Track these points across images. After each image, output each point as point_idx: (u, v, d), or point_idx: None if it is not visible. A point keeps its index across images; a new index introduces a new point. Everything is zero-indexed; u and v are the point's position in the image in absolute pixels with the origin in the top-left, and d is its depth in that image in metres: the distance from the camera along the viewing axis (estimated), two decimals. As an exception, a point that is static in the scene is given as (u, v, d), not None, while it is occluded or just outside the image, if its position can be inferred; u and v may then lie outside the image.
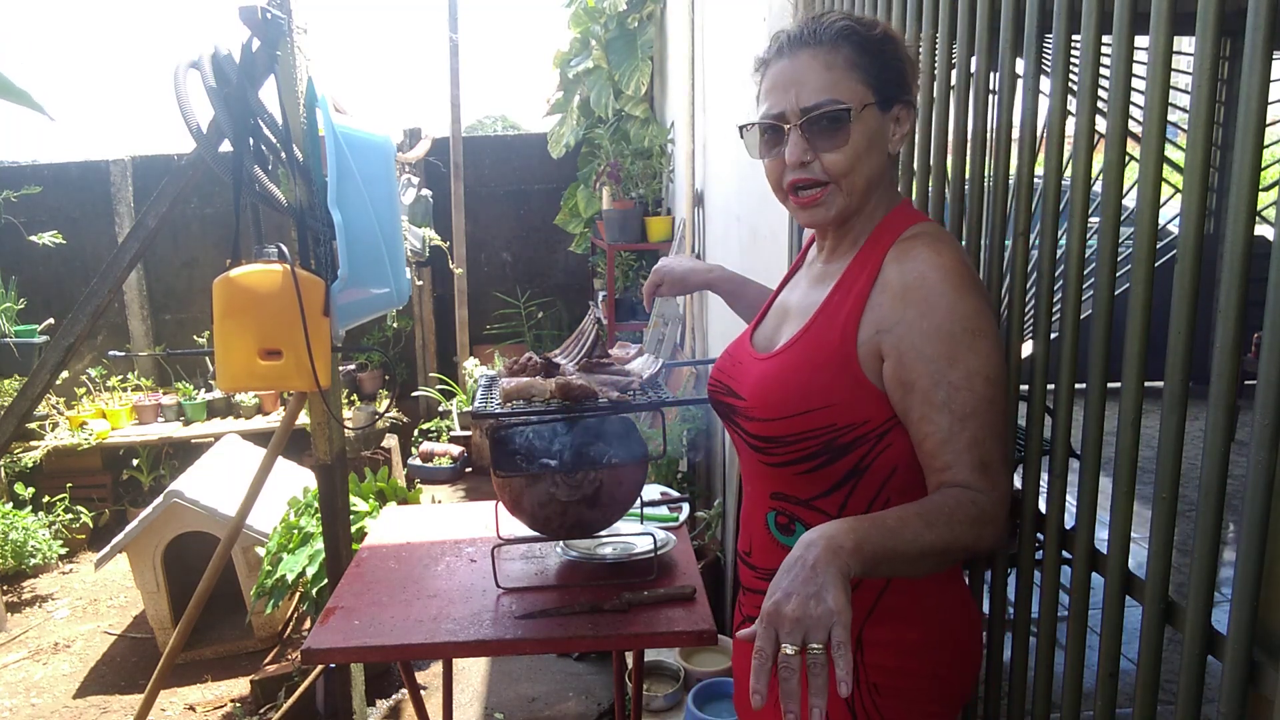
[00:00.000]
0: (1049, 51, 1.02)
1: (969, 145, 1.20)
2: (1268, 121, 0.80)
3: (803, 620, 0.69)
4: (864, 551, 0.75)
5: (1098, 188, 0.97)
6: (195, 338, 5.14)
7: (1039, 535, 1.09)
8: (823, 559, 0.72)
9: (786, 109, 0.94)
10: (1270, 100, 0.78)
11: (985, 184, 1.19)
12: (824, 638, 0.68)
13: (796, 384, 0.95)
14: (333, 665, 2.18)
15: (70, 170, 5.07)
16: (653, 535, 1.55)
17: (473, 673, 2.79)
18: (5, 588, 3.69)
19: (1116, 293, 0.96)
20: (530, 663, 2.81)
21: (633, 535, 1.63)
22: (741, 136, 1.02)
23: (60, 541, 3.83)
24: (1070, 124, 1.03)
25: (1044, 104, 1.05)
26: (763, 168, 1.00)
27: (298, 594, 2.76)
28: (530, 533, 1.53)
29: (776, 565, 0.93)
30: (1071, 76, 1.02)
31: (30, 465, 4.08)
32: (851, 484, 0.96)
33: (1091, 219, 1.00)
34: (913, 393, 0.89)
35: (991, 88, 1.16)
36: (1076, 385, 1.01)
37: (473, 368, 5.23)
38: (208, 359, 4.87)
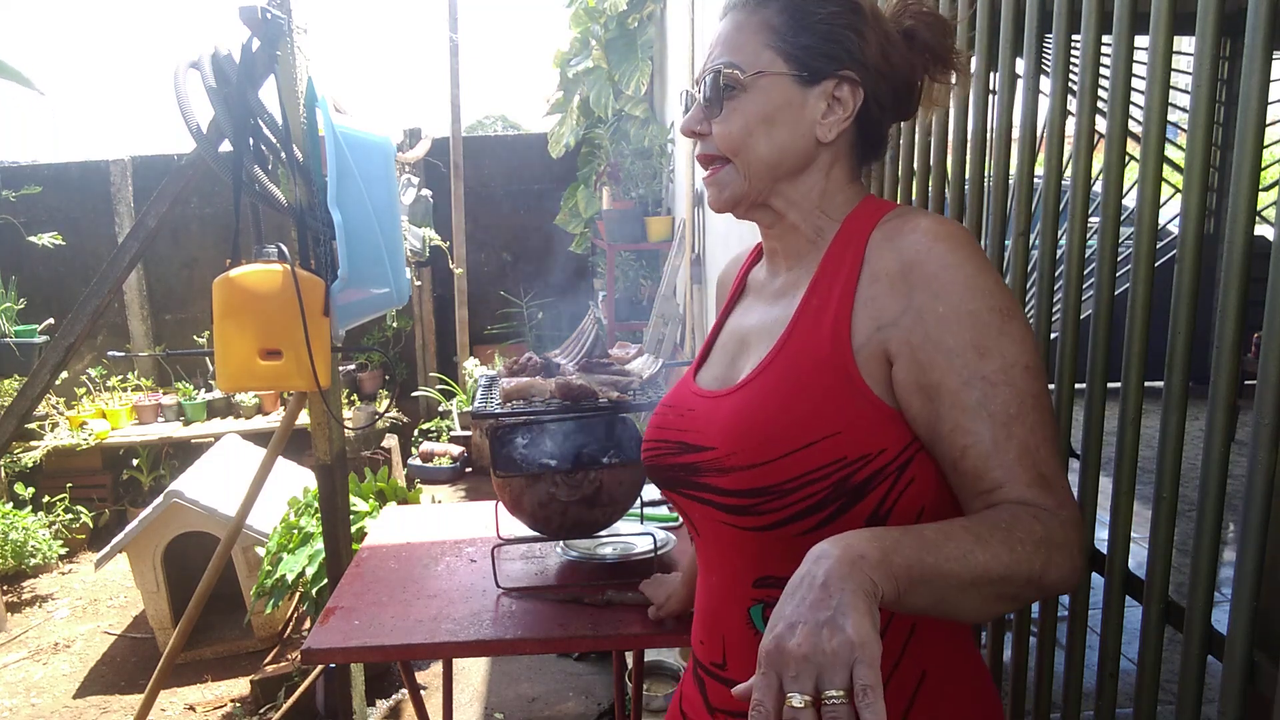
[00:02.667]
0: (1049, 51, 1.02)
1: (969, 145, 1.19)
2: (1268, 121, 0.80)
3: (812, 657, 0.51)
4: (894, 564, 0.57)
5: (1098, 188, 0.97)
6: (195, 338, 5.14)
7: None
8: (837, 573, 0.55)
9: (699, 73, 0.82)
10: (1270, 100, 0.78)
11: (985, 184, 1.19)
12: (845, 681, 0.51)
13: (787, 412, 0.74)
14: (333, 665, 2.18)
15: (70, 170, 5.07)
16: (653, 535, 1.55)
17: (473, 673, 2.79)
18: (5, 588, 3.69)
19: (1116, 293, 0.96)
20: (530, 663, 2.81)
21: (633, 535, 1.63)
22: (682, 104, 0.90)
23: (60, 541, 3.83)
24: (1070, 124, 1.03)
25: (1044, 104, 1.05)
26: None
27: (298, 594, 2.76)
28: (530, 533, 1.53)
29: None
30: (1071, 76, 1.02)
31: (30, 465, 4.08)
32: None
33: (1091, 219, 1.00)
34: (938, 398, 0.70)
35: (991, 88, 1.16)
36: (1076, 385, 1.01)
37: (473, 368, 5.24)
38: (208, 359, 4.87)
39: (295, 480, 3.20)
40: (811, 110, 0.79)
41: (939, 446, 0.72)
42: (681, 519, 0.90)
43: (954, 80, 0.87)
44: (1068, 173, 1.04)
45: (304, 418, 2.18)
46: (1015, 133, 1.11)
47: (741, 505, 0.75)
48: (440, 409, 5.27)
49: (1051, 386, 1.07)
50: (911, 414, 0.73)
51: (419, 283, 5.25)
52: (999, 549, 0.62)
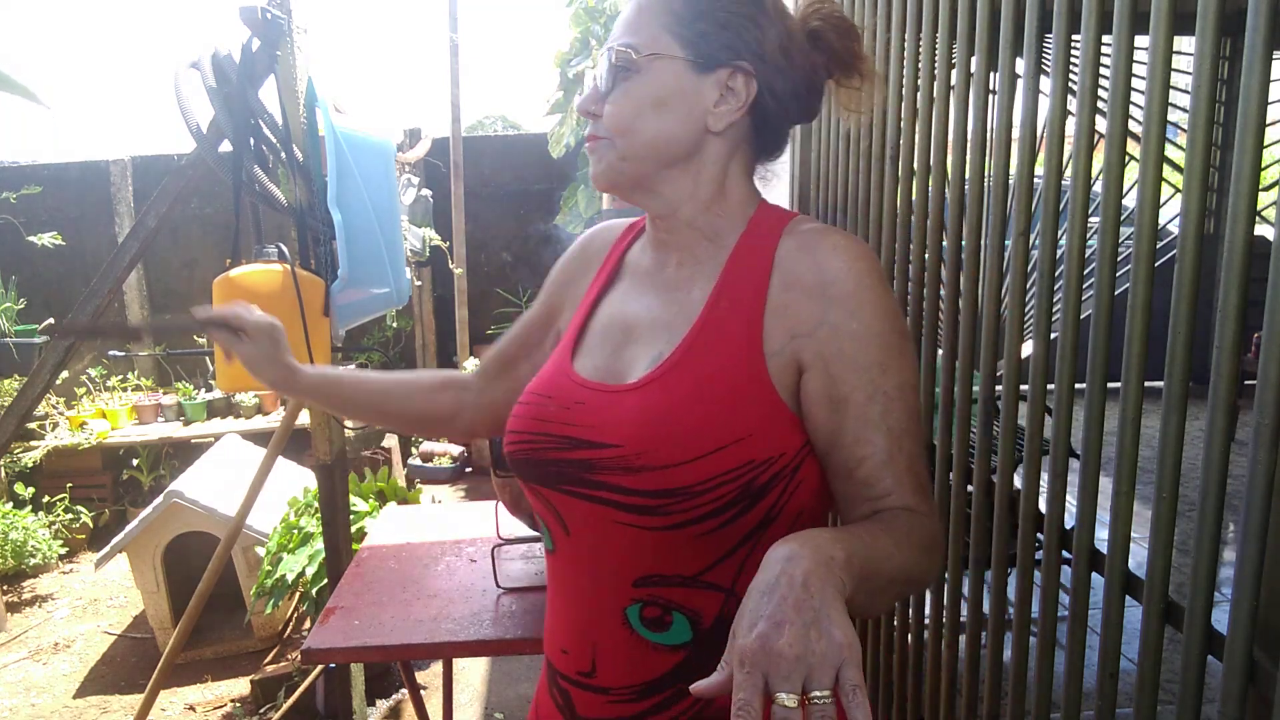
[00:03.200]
0: (1049, 51, 1.02)
1: (969, 145, 1.20)
2: (1268, 121, 0.80)
3: (804, 658, 0.52)
4: (854, 567, 0.59)
5: (1098, 188, 0.97)
6: (195, 338, 5.14)
7: (1039, 535, 1.09)
8: (816, 574, 0.56)
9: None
10: (1270, 100, 0.78)
11: (985, 184, 1.19)
12: (830, 681, 0.52)
13: (702, 414, 0.74)
14: (333, 665, 2.18)
15: (70, 170, 5.07)
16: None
17: (473, 673, 2.79)
18: (5, 588, 3.69)
19: (1116, 293, 0.96)
20: (530, 663, 2.81)
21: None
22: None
23: (60, 541, 3.83)
24: (1070, 124, 1.03)
25: (1044, 104, 1.05)
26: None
27: (298, 594, 2.76)
28: (530, 533, 1.53)
29: (649, 677, 0.78)
30: (1071, 76, 1.02)
31: (30, 465, 4.08)
32: (755, 540, 0.76)
33: (1091, 219, 1.00)
34: (844, 410, 0.74)
35: (991, 88, 1.16)
36: (1076, 385, 1.01)
37: (473, 368, 5.23)
38: (208, 359, 4.87)
39: (295, 480, 3.20)
40: (704, 98, 0.78)
41: (837, 454, 0.75)
42: (540, 520, 0.86)
43: (860, 86, 0.86)
44: (1068, 173, 1.04)
45: (304, 418, 2.18)
46: (1015, 133, 1.11)
47: (648, 505, 0.74)
48: (440, 409, 5.27)
49: (1051, 386, 1.08)
50: (816, 422, 0.75)
51: (419, 283, 5.25)
52: (909, 552, 0.67)
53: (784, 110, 0.82)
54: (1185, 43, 0.78)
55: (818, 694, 0.51)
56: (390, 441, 4.58)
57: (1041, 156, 1.08)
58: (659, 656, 0.78)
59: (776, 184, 1.98)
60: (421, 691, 2.17)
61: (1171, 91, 0.88)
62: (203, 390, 4.70)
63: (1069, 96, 1.02)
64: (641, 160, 0.79)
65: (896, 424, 0.74)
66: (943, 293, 1.32)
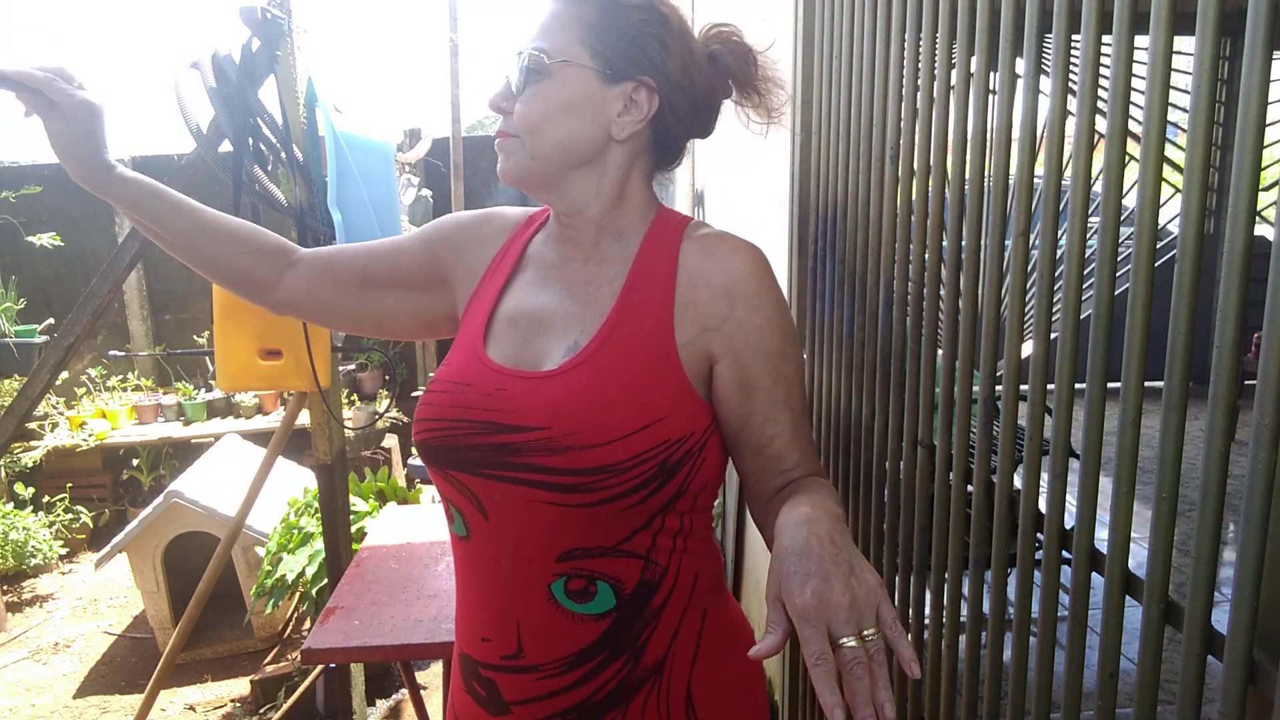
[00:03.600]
0: (1049, 51, 1.02)
1: (969, 145, 1.20)
2: (1268, 121, 0.80)
3: (855, 604, 0.59)
4: (845, 519, 0.70)
5: (1098, 188, 0.97)
6: (195, 338, 5.14)
7: (1039, 535, 1.09)
8: (837, 530, 0.64)
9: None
10: (1270, 100, 0.78)
11: (985, 184, 1.19)
12: (874, 620, 0.60)
13: (625, 397, 0.80)
14: (333, 665, 2.18)
15: (70, 170, 5.07)
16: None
17: (473, 673, 2.79)
18: (5, 588, 3.69)
19: (1116, 293, 0.96)
20: (530, 663, 2.81)
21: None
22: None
23: (60, 541, 3.83)
24: (1070, 124, 1.03)
25: (1044, 104, 1.05)
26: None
27: (298, 594, 2.76)
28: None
29: (577, 648, 0.84)
30: (1071, 76, 1.02)
31: (30, 465, 4.08)
32: (666, 512, 0.84)
33: (1091, 219, 1.00)
34: (754, 394, 0.83)
35: (991, 88, 1.16)
36: (1076, 385, 1.01)
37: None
38: (208, 359, 4.87)
39: (295, 480, 3.20)
40: (609, 107, 0.84)
41: (747, 434, 0.84)
42: (451, 508, 0.88)
43: (759, 104, 0.94)
44: (1068, 173, 1.04)
45: (304, 418, 2.18)
46: (1015, 133, 1.11)
47: (575, 484, 0.79)
48: (440, 409, 5.27)
49: (1051, 386, 1.08)
50: (729, 406, 0.84)
51: (419, 283, 5.25)
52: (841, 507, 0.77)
53: (682, 125, 0.88)
54: (1185, 43, 0.78)
55: (868, 632, 0.59)
56: (390, 442, 4.58)
57: (1041, 156, 1.08)
58: (585, 626, 0.84)
59: (776, 184, 1.98)
60: (421, 691, 2.17)
61: (1171, 91, 0.88)
62: (203, 390, 4.70)
63: (1069, 96, 1.02)
64: (549, 160, 0.84)
65: (797, 405, 0.85)
66: (943, 293, 1.32)
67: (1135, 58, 0.95)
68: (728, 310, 0.83)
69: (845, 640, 0.58)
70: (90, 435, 4.19)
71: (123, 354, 4.60)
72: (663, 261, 0.86)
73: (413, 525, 1.85)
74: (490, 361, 0.87)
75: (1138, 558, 0.93)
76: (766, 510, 0.87)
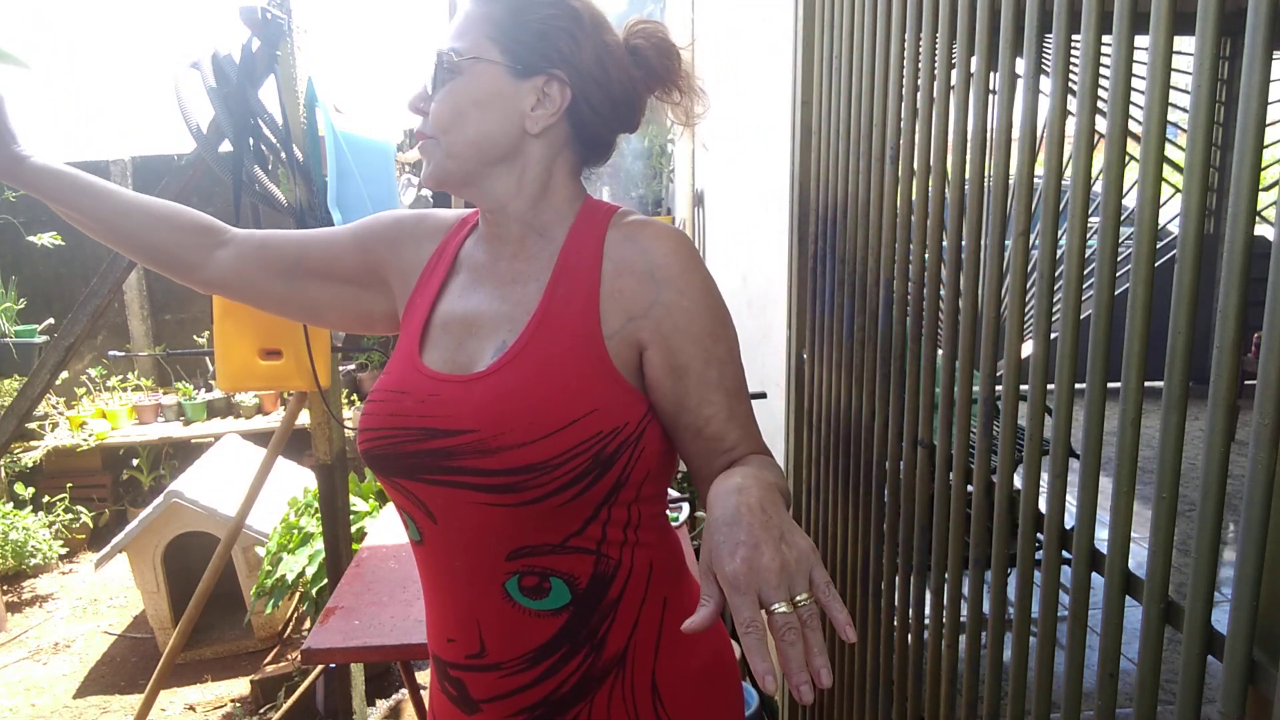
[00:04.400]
0: (1049, 51, 1.02)
1: (969, 145, 1.20)
2: (1268, 121, 0.80)
3: (785, 568, 0.59)
4: (780, 488, 0.69)
5: (1098, 188, 0.97)
6: (195, 338, 5.14)
7: (1039, 535, 1.09)
8: (767, 497, 0.64)
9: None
10: (1270, 100, 0.78)
11: (985, 184, 1.19)
12: (806, 585, 0.59)
13: (551, 393, 0.80)
14: (333, 665, 2.18)
15: (70, 170, 5.07)
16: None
17: (473, 673, 2.79)
18: (5, 588, 3.69)
19: (1116, 293, 0.96)
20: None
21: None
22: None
23: (60, 541, 3.83)
24: (1070, 124, 1.03)
25: (1044, 104, 1.05)
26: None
27: (298, 594, 2.76)
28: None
29: (537, 644, 0.85)
30: (1071, 76, 1.02)
31: (30, 465, 4.08)
32: (609, 504, 0.83)
33: (1091, 219, 1.00)
34: (686, 377, 0.82)
35: (991, 88, 1.16)
36: (1076, 385, 1.01)
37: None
38: (208, 359, 4.87)
39: (295, 480, 3.20)
40: (521, 101, 0.84)
41: (684, 417, 0.83)
42: (404, 514, 0.90)
43: (680, 101, 0.93)
44: (1068, 173, 1.04)
45: (304, 418, 2.18)
46: (1015, 133, 1.11)
47: (509, 484, 0.79)
48: (440, 409, 5.27)
49: (1051, 386, 1.08)
50: (662, 391, 0.83)
51: (419, 283, 5.25)
52: (783, 481, 0.76)
53: (600, 118, 0.88)
54: (1185, 43, 0.78)
55: (800, 597, 0.58)
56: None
57: (1041, 156, 1.08)
58: (543, 623, 0.85)
59: (776, 184, 1.98)
60: (421, 691, 2.17)
61: (1171, 91, 0.88)
62: (203, 390, 4.70)
63: (1069, 96, 1.02)
64: (465, 159, 0.85)
65: (732, 384, 0.84)
66: (943, 293, 1.32)
67: (1135, 58, 0.95)
68: (654, 295, 0.82)
69: (776, 606, 0.57)
70: (90, 435, 4.19)
71: (123, 354, 4.60)
72: (587, 253, 0.85)
73: (413, 525, 1.85)
74: (424, 368, 0.87)
75: (1138, 558, 0.93)
76: None
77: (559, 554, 0.83)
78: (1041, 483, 1.10)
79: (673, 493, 1.97)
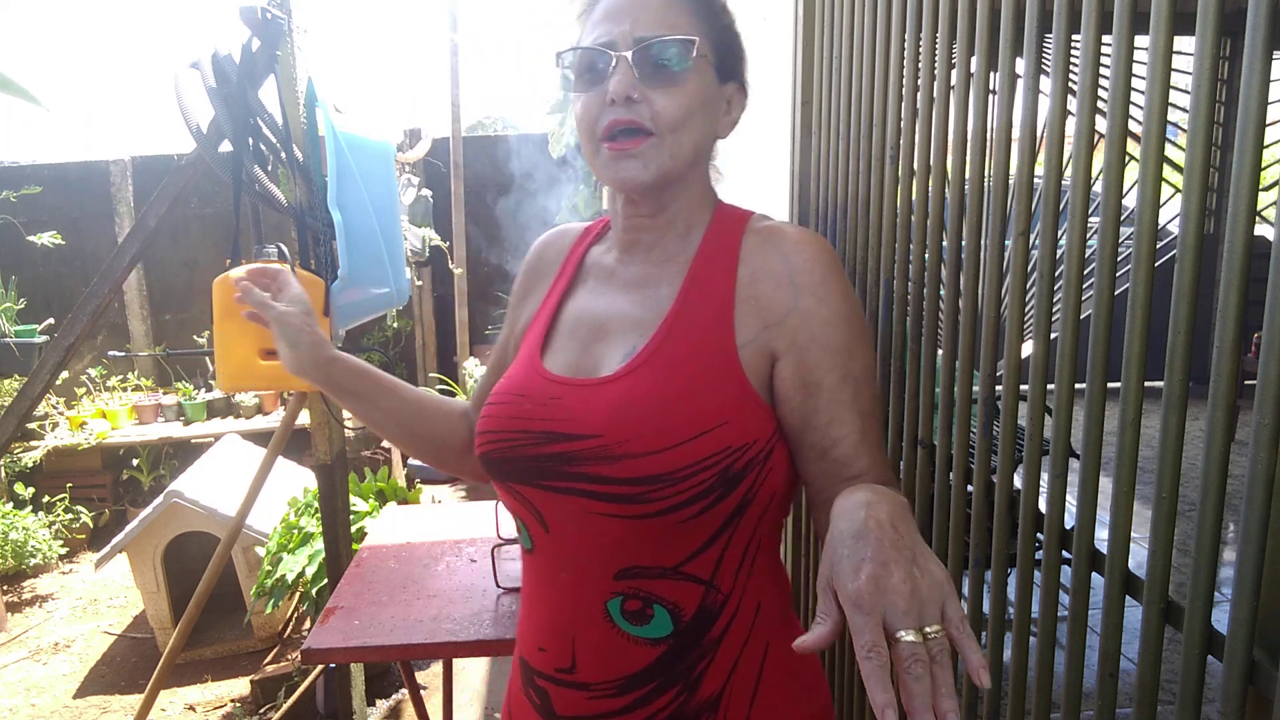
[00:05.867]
0: (1049, 51, 1.02)
1: (969, 145, 1.20)
2: (1268, 121, 0.80)
3: (916, 594, 0.52)
4: (909, 510, 0.61)
5: (1098, 188, 0.97)
6: (195, 338, 5.14)
7: (1039, 535, 1.09)
8: (900, 515, 0.57)
9: (617, 37, 0.77)
10: (1270, 100, 0.78)
11: (985, 184, 1.19)
12: (938, 616, 0.53)
13: (680, 401, 0.75)
14: (333, 665, 2.18)
15: (70, 170, 5.07)
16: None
17: (473, 673, 2.79)
18: (5, 588, 3.69)
19: (1116, 293, 0.96)
20: (530, 663, 2.81)
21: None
22: (558, 66, 0.85)
23: (60, 541, 3.83)
24: (1070, 124, 1.03)
25: (1044, 104, 1.05)
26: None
27: (298, 594, 2.76)
28: (530, 533, 1.53)
29: (630, 671, 0.80)
30: (1071, 76, 1.02)
31: (30, 465, 4.08)
32: (732, 528, 0.78)
33: (1091, 219, 1.00)
34: (819, 393, 0.76)
35: (991, 88, 1.16)
36: (1076, 385, 1.01)
37: (473, 368, 5.24)
38: (208, 359, 4.87)
39: (295, 480, 3.20)
40: (721, 106, 0.84)
41: (810, 436, 0.77)
42: (517, 521, 0.87)
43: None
44: (1068, 173, 1.04)
45: (304, 418, 2.18)
46: (1015, 133, 1.11)
47: (630, 494, 0.74)
48: (440, 409, 5.27)
49: (1051, 386, 1.08)
50: (790, 406, 0.77)
51: (419, 283, 5.25)
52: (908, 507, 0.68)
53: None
54: (1185, 43, 0.78)
55: (930, 629, 0.51)
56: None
57: (1041, 156, 1.08)
58: (639, 650, 0.79)
59: (777, 183, 1.98)
60: (421, 691, 2.17)
61: (1171, 91, 0.88)
62: (203, 390, 4.70)
63: (1069, 96, 1.02)
64: (684, 161, 0.81)
65: (865, 406, 0.77)
66: (943, 293, 1.32)
67: (1135, 58, 0.95)
68: (791, 302, 0.77)
69: (903, 634, 0.51)
70: (90, 435, 4.19)
71: (123, 354, 4.60)
72: (723, 257, 0.81)
73: (413, 525, 1.85)
74: (546, 371, 0.84)
75: (1138, 558, 0.93)
76: None
77: (669, 579, 0.78)
78: (1041, 483, 1.10)
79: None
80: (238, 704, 2.72)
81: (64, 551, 3.85)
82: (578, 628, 0.81)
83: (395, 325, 5.34)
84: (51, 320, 4.40)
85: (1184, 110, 0.86)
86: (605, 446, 0.75)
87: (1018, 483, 1.14)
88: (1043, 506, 1.08)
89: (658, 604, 0.78)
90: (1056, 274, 1.06)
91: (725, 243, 0.82)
